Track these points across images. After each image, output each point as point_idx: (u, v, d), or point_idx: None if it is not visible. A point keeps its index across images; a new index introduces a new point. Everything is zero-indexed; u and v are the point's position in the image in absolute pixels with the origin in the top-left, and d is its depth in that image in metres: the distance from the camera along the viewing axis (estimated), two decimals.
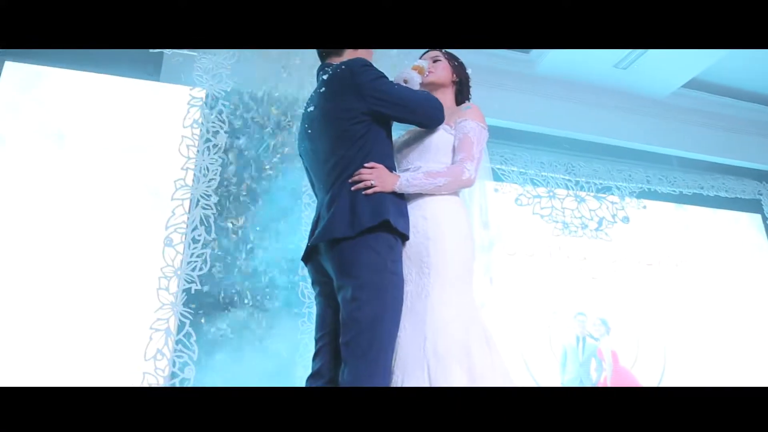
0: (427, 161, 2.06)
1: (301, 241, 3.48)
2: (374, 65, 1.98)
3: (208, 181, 3.43)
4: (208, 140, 3.53)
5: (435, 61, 2.27)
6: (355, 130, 1.87)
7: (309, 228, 2.01)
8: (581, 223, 5.11)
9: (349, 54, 2.04)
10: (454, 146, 2.06)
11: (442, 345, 1.77)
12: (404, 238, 1.89)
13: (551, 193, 5.12)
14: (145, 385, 3.06)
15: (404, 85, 2.06)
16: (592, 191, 5.27)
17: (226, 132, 3.56)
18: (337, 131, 1.89)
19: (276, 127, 3.65)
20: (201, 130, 3.58)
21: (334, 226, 1.78)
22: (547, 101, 5.03)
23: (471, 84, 2.35)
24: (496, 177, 4.97)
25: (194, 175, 3.46)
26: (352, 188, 1.83)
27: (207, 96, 3.67)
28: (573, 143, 5.24)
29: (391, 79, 2.11)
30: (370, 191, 1.83)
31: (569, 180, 5.20)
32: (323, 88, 1.95)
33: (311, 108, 2.00)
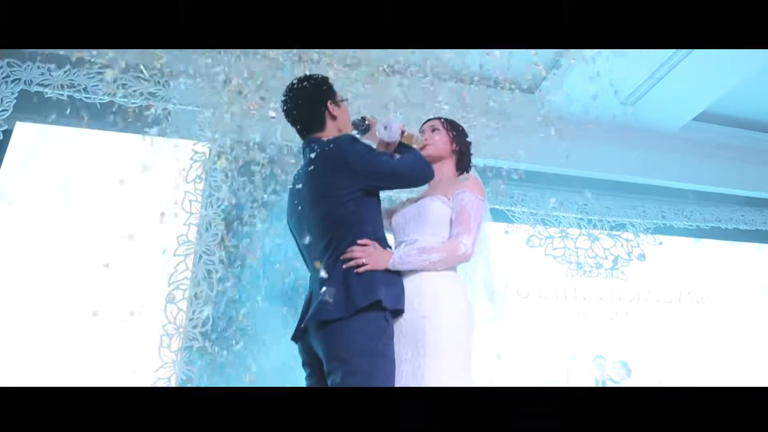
0: (423, 233, 2.02)
1: None
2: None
3: (211, 237, 3.43)
4: (210, 194, 3.54)
5: (433, 130, 2.23)
6: (346, 208, 1.86)
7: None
8: (596, 263, 5.01)
9: (329, 127, 2.04)
10: (451, 219, 2.01)
11: None
12: (399, 313, 1.85)
13: (563, 233, 5.04)
14: None
15: (384, 131, 2.04)
16: (606, 229, 5.17)
17: (228, 186, 3.57)
18: (328, 210, 1.87)
19: (275, 176, 3.65)
20: (204, 185, 3.59)
21: (326, 307, 1.76)
22: (554, 140, 4.98)
23: (472, 152, 2.31)
24: (507, 218, 4.91)
25: (197, 230, 3.47)
26: (344, 266, 1.81)
27: (210, 150, 3.70)
28: (584, 181, 5.17)
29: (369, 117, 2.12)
30: (361, 269, 1.80)
31: (581, 219, 5.11)
32: (311, 167, 1.93)
33: (299, 185, 1.98)
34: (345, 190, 1.85)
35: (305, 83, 2.07)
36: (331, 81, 2.13)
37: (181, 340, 3.20)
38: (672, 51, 4.38)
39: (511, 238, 4.89)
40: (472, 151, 2.38)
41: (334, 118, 2.05)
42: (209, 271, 3.36)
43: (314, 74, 2.12)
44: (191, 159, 3.71)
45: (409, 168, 1.96)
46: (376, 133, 2.08)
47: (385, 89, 3.87)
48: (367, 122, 2.16)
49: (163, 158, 3.88)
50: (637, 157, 5.20)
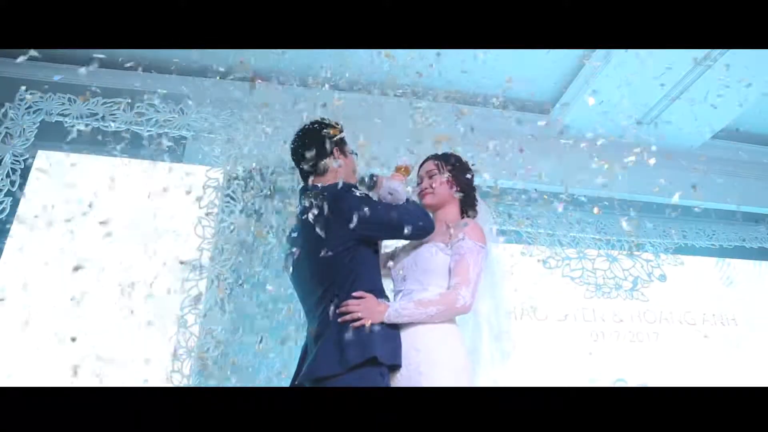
0: (421, 283, 1.96)
1: None
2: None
3: (224, 262, 3.46)
4: (223, 220, 3.58)
5: (430, 177, 2.16)
6: (341, 258, 1.83)
7: None
8: (615, 284, 4.92)
9: (331, 174, 2.01)
10: (450, 267, 1.95)
11: None
12: (396, 368, 1.80)
13: (581, 254, 4.97)
14: None
15: (390, 197, 1.99)
16: (625, 249, 5.08)
17: (241, 212, 3.61)
18: (323, 260, 1.82)
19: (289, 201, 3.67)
20: (217, 211, 3.64)
21: (320, 364, 1.73)
22: (570, 161, 4.93)
23: (476, 189, 2.24)
24: (523, 240, 4.86)
25: (210, 255, 3.50)
26: (339, 320, 1.78)
27: (224, 176, 3.75)
28: (600, 201, 5.10)
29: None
30: (357, 324, 1.76)
31: (599, 239, 5.04)
32: (306, 215, 1.90)
33: (295, 234, 1.96)
34: (340, 239, 1.82)
35: (317, 125, 2.07)
36: (343, 129, 2.11)
37: (192, 364, 3.21)
38: (688, 67, 4.34)
39: (527, 259, 4.83)
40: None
41: (337, 165, 2.03)
42: (222, 297, 3.38)
43: (328, 119, 2.10)
44: (205, 185, 3.76)
45: (405, 219, 1.90)
46: (381, 199, 2.03)
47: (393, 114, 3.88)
48: (375, 179, 2.09)
49: (177, 184, 3.95)
50: (654, 176, 5.12)
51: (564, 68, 4.65)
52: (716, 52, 4.09)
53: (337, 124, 2.11)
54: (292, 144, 2.10)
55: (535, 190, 4.90)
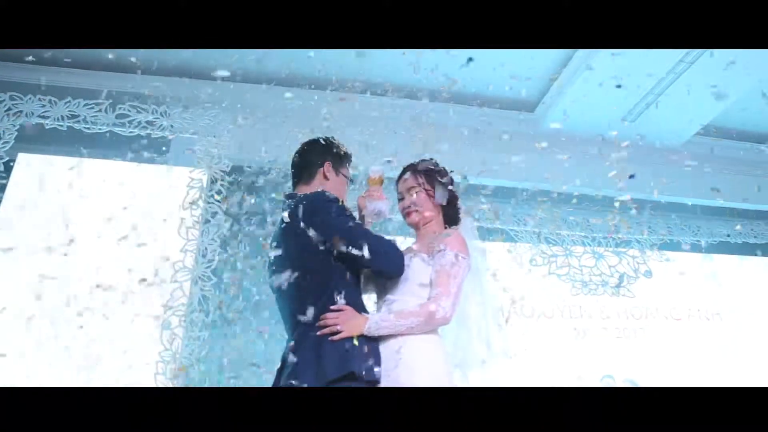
0: (402, 294, 1.92)
1: None
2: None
3: (207, 262, 3.44)
4: (207, 221, 3.56)
5: (414, 194, 2.09)
6: (318, 268, 1.79)
7: None
8: (601, 281, 4.94)
9: (316, 184, 1.98)
10: (431, 278, 1.91)
11: None
12: (374, 383, 1.75)
13: (567, 251, 4.98)
14: None
15: (376, 216, 1.98)
16: (611, 246, 5.11)
17: (225, 212, 3.58)
18: (300, 271, 1.79)
19: (275, 205, 3.66)
20: (201, 212, 3.61)
21: (297, 378, 1.68)
22: (555, 158, 4.95)
23: (457, 187, 2.19)
24: (509, 238, 4.87)
25: (195, 257, 3.47)
26: (318, 333, 1.74)
27: (207, 177, 3.73)
28: (586, 199, 5.12)
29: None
30: (336, 337, 1.73)
31: (585, 237, 5.06)
32: (284, 224, 1.87)
33: (275, 244, 1.92)
34: (314, 248, 1.77)
35: (322, 139, 2.05)
36: (350, 155, 2.09)
37: (177, 366, 3.18)
38: (671, 65, 4.36)
39: (514, 257, 4.84)
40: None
41: (326, 178, 2.00)
42: (205, 297, 3.36)
43: (339, 141, 2.09)
44: (188, 186, 3.73)
45: (377, 252, 1.82)
46: (369, 220, 2.01)
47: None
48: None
49: (160, 185, 3.92)
50: (639, 174, 5.15)
51: (549, 66, 4.66)
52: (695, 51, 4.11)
53: (343, 146, 2.09)
54: (297, 149, 2.08)
55: (520, 189, 4.93)
